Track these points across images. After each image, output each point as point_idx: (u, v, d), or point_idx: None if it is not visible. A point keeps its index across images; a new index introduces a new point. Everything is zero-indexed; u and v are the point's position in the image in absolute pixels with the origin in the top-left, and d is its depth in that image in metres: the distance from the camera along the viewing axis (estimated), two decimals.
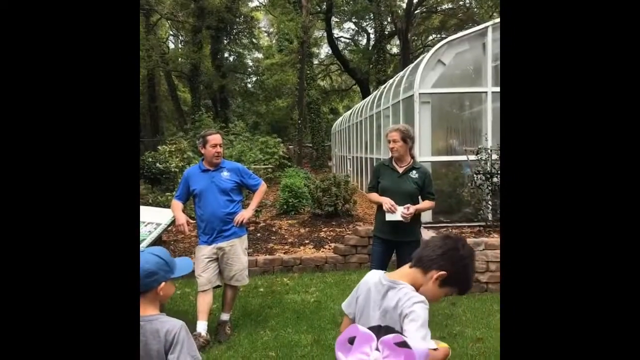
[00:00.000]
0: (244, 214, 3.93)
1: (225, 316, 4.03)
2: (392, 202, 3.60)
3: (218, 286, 3.97)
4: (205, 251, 3.87)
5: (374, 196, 3.83)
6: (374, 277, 1.73)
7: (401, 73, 8.28)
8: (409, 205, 3.60)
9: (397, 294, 1.62)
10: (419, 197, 3.78)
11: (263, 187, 4.11)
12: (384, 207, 3.65)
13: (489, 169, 5.57)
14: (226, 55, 26.93)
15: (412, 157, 3.81)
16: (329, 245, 6.45)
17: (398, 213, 3.58)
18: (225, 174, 3.91)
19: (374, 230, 3.96)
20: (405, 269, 1.72)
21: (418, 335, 1.49)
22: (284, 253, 6.20)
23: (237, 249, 3.94)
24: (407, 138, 3.70)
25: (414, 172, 3.73)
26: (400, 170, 3.74)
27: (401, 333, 1.47)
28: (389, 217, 3.61)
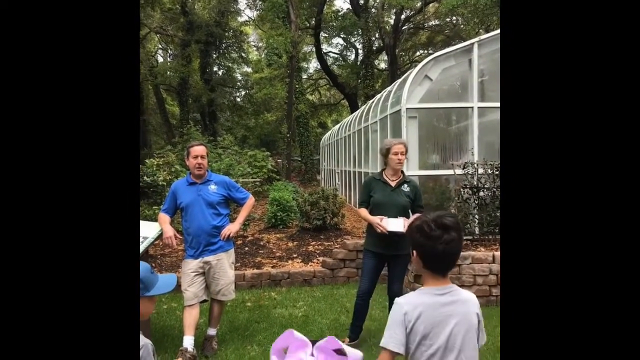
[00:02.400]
0: (231, 228, 3.92)
1: (212, 331, 3.99)
2: (384, 228, 3.64)
3: (204, 301, 3.93)
4: (191, 265, 3.84)
5: (366, 214, 3.84)
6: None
7: (389, 88, 8.36)
8: (402, 219, 3.66)
9: None
10: (412, 210, 3.83)
11: (251, 200, 4.10)
12: (377, 230, 3.68)
13: (475, 183, 5.63)
14: (215, 69, 27.01)
15: (402, 170, 3.89)
16: (317, 259, 6.43)
17: (395, 224, 3.61)
18: (212, 187, 3.90)
19: (366, 244, 3.96)
20: None
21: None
22: (272, 267, 6.17)
23: (224, 263, 3.91)
24: (407, 151, 3.85)
25: (406, 185, 3.80)
26: (393, 184, 3.79)
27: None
28: (391, 227, 3.62)
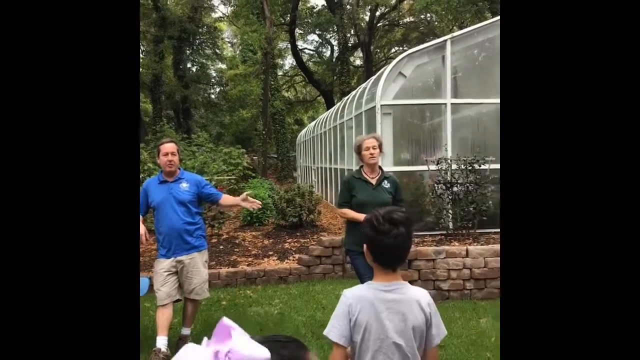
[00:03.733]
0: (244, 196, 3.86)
1: (186, 330, 3.94)
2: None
3: (178, 300, 3.87)
4: (164, 264, 3.78)
5: (350, 213, 3.71)
6: None
7: (364, 85, 8.38)
8: None
9: None
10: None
11: (225, 195, 4.06)
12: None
13: (449, 178, 5.69)
14: (189, 65, 26.68)
15: (380, 167, 3.83)
16: (293, 256, 6.41)
17: None
18: (184, 185, 3.84)
19: (349, 245, 3.78)
20: None
21: None
22: (248, 265, 6.13)
23: (197, 262, 3.86)
24: (381, 145, 3.77)
25: (386, 182, 3.74)
26: (373, 181, 3.72)
27: None
28: None
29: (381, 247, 1.65)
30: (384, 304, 1.65)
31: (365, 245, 1.72)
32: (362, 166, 3.82)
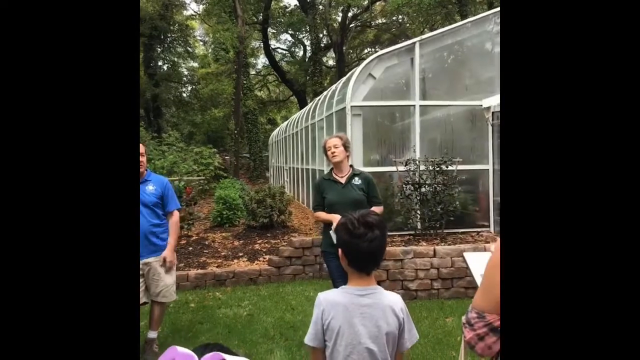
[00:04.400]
0: (167, 256, 3.78)
1: (152, 334, 3.89)
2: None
3: (145, 303, 3.82)
4: None
5: (322, 215, 3.69)
6: None
7: (334, 86, 8.42)
8: None
9: None
10: (367, 203, 3.66)
11: (176, 217, 3.93)
12: (332, 227, 3.45)
13: (417, 179, 5.77)
14: (160, 63, 26.24)
15: (351, 165, 3.82)
16: (264, 258, 6.40)
17: None
18: (150, 187, 3.79)
19: (325, 246, 3.75)
20: None
21: None
22: (217, 267, 6.08)
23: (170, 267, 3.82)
24: (347, 144, 3.73)
25: (356, 178, 3.70)
26: (343, 180, 3.70)
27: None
28: (335, 239, 3.42)
29: (357, 251, 1.65)
30: (358, 309, 1.65)
31: (340, 250, 1.71)
32: (332, 168, 3.83)
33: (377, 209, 3.63)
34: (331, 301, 1.68)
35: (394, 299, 1.72)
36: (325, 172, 3.92)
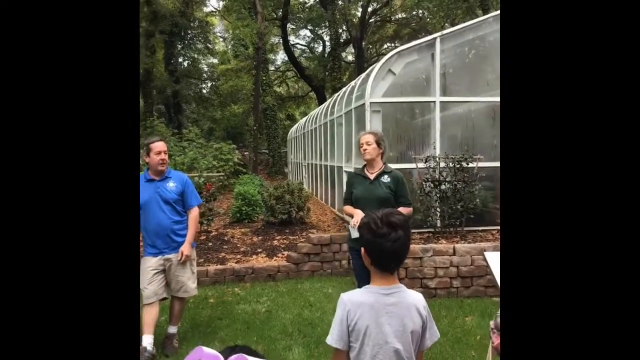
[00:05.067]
0: (185, 250, 3.80)
1: (172, 329, 3.94)
2: (358, 220, 3.39)
3: (165, 298, 3.87)
4: (151, 263, 3.77)
5: (349, 209, 3.71)
6: None
7: (354, 82, 8.37)
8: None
9: None
10: (394, 203, 3.62)
11: (195, 212, 3.95)
12: (350, 223, 3.50)
13: (437, 176, 5.71)
14: (180, 60, 26.48)
15: (384, 163, 3.78)
16: (282, 254, 6.41)
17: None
18: (171, 184, 3.82)
19: (349, 241, 3.74)
20: None
21: None
22: (236, 262, 6.12)
23: (185, 260, 3.86)
24: (380, 141, 3.70)
25: (386, 176, 3.67)
26: (372, 176, 3.68)
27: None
28: (353, 234, 3.43)
29: (380, 250, 1.64)
30: (383, 308, 1.64)
31: (362, 249, 1.70)
32: (365, 164, 3.81)
33: (404, 210, 3.58)
34: (356, 301, 1.66)
35: (417, 297, 1.71)
36: (360, 168, 3.89)
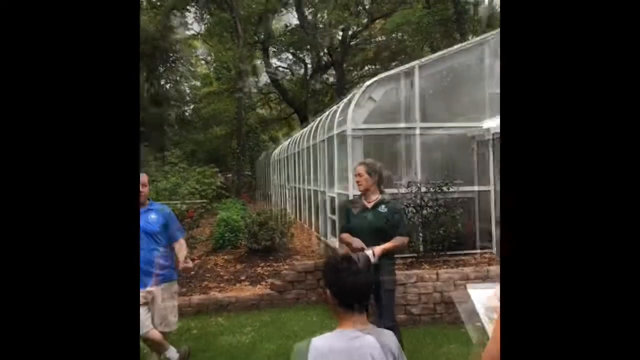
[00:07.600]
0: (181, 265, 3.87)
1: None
2: (360, 244, 3.39)
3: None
4: None
5: (346, 236, 3.65)
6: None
7: (335, 107, 8.45)
8: (372, 249, 3.36)
9: None
10: (390, 233, 3.55)
11: (182, 243, 3.98)
12: (358, 246, 3.40)
13: (419, 201, 5.77)
14: (162, 82, 26.43)
15: (381, 192, 3.74)
16: (266, 282, 6.37)
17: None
18: (152, 216, 3.81)
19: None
20: None
21: None
22: (219, 291, 6.06)
23: (167, 293, 3.83)
24: (372, 172, 3.64)
25: (383, 206, 3.61)
26: (369, 205, 3.64)
27: None
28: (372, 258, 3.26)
29: (343, 286, 1.65)
30: (355, 351, 1.61)
31: (327, 291, 1.69)
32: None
33: (399, 241, 3.56)
34: (327, 348, 1.61)
35: (389, 338, 1.71)
36: (358, 196, 3.89)
